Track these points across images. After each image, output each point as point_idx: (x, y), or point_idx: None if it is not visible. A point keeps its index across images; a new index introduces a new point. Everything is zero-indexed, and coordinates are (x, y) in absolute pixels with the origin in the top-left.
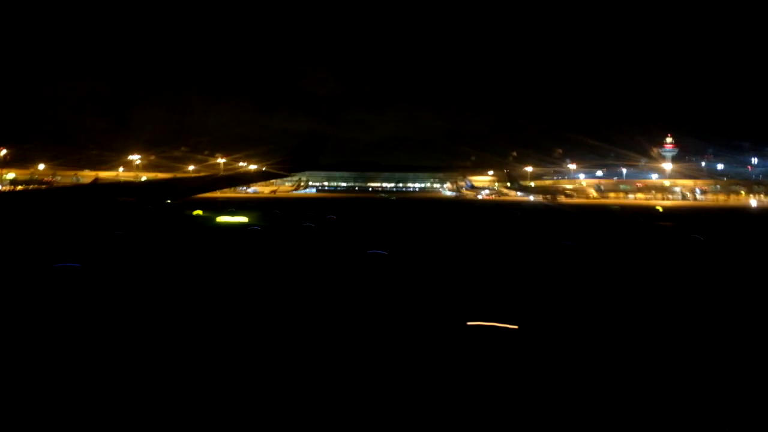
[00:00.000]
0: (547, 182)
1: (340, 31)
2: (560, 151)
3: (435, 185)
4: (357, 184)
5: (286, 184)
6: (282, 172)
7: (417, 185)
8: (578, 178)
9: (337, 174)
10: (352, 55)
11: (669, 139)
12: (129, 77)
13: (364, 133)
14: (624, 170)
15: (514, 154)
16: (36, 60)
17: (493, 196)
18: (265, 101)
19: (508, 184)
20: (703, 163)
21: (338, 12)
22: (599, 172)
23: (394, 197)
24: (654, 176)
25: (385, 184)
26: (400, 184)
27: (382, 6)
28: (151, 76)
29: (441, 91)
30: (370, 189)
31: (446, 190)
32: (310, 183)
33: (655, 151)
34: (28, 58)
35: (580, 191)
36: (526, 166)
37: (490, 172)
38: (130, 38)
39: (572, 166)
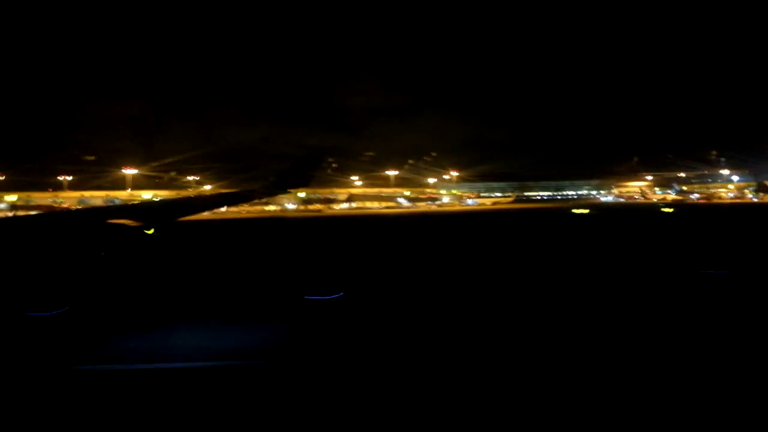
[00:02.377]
0: None
1: (366, 43)
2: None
3: (592, 192)
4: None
5: None
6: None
7: (571, 193)
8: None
9: (494, 185)
10: (377, 68)
11: None
12: (154, 97)
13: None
14: None
15: (714, 153)
16: (55, 79)
17: (704, 200)
18: (287, 116)
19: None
20: None
21: (365, 23)
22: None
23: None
24: None
25: (541, 194)
26: (557, 193)
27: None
28: (171, 96)
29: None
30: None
31: (605, 196)
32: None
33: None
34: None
35: None
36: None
37: (649, 177)
38: (155, 54)
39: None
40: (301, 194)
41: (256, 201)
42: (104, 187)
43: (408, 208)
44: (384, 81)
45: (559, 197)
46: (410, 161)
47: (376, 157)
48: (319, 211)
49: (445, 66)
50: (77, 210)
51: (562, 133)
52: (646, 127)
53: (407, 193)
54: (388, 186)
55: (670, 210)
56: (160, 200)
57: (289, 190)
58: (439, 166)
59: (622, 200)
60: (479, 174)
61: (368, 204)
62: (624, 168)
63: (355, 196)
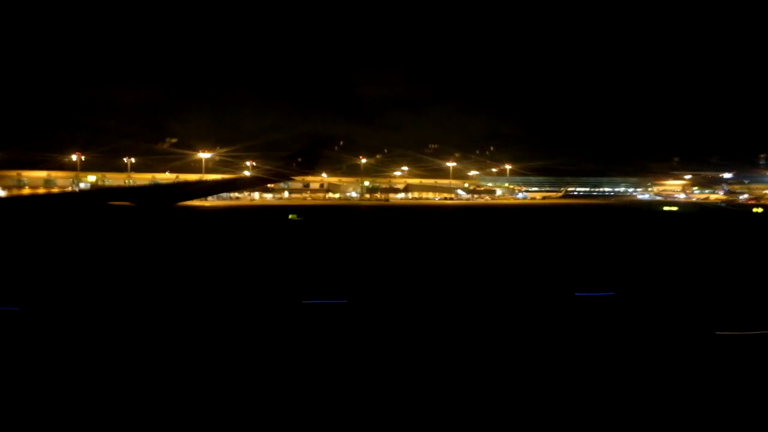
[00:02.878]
0: None
1: (386, 32)
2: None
3: (629, 190)
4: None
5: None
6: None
7: (608, 190)
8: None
9: (533, 179)
10: (396, 58)
11: None
12: (169, 80)
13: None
14: None
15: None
16: (79, 65)
17: (753, 200)
18: (302, 103)
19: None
20: None
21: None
22: None
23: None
24: None
25: (579, 189)
26: (595, 189)
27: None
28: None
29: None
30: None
31: (642, 194)
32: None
33: None
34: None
35: None
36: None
37: (687, 176)
38: (171, 39)
39: None
40: (366, 183)
41: (317, 189)
42: (180, 169)
43: (468, 199)
44: (406, 73)
45: (595, 193)
46: (456, 154)
47: (406, 148)
48: (386, 200)
49: (478, 59)
50: (81, 192)
51: (596, 131)
52: (682, 127)
53: (466, 184)
54: (427, 177)
55: (760, 210)
56: (162, 184)
57: (292, 177)
58: (477, 159)
59: (659, 198)
60: (523, 169)
61: (425, 195)
62: (662, 166)
63: (411, 186)
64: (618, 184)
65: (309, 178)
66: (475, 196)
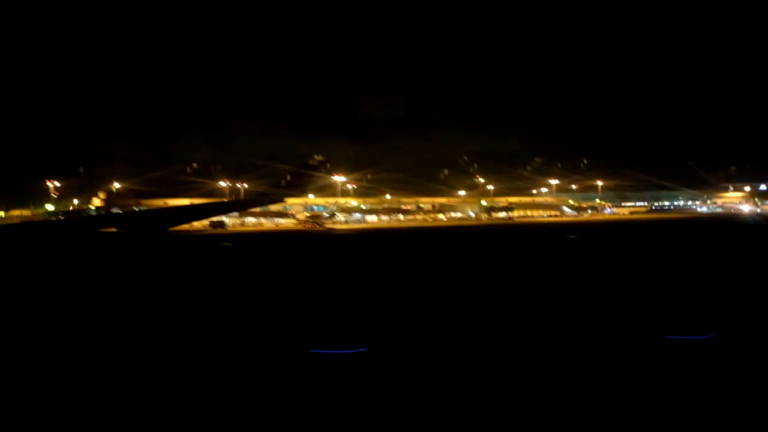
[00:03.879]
0: None
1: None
2: None
3: (688, 203)
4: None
5: None
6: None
7: (667, 203)
8: None
9: (592, 195)
10: (402, 80)
11: None
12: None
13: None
14: None
15: None
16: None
17: None
18: (305, 126)
19: None
20: None
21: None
22: None
23: None
24: None
25: (638, 203)
26: (655, 203)
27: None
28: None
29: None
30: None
31: (701, 206)
32: None
33: None
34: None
35: None
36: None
37: (747, 188)
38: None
39: None
40: (484, 203)
41: (429, 210)
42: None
43: (576, 216)
44: (413, 95)
45: (666, 207)
46: (525, 171)
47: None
48: (510, 219)
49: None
50: (72, 218)
51: (652, 143)
52: (735, 137)
53: (571, 202)
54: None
55: None
56: (149, 210)
57: (284, 198)
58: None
59: (719, 210)
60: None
61: (529, 212)
62: (720, 176)
63: (513, 204)
64: (677, 197)
65: (422, 199)
66: (582, 213)
